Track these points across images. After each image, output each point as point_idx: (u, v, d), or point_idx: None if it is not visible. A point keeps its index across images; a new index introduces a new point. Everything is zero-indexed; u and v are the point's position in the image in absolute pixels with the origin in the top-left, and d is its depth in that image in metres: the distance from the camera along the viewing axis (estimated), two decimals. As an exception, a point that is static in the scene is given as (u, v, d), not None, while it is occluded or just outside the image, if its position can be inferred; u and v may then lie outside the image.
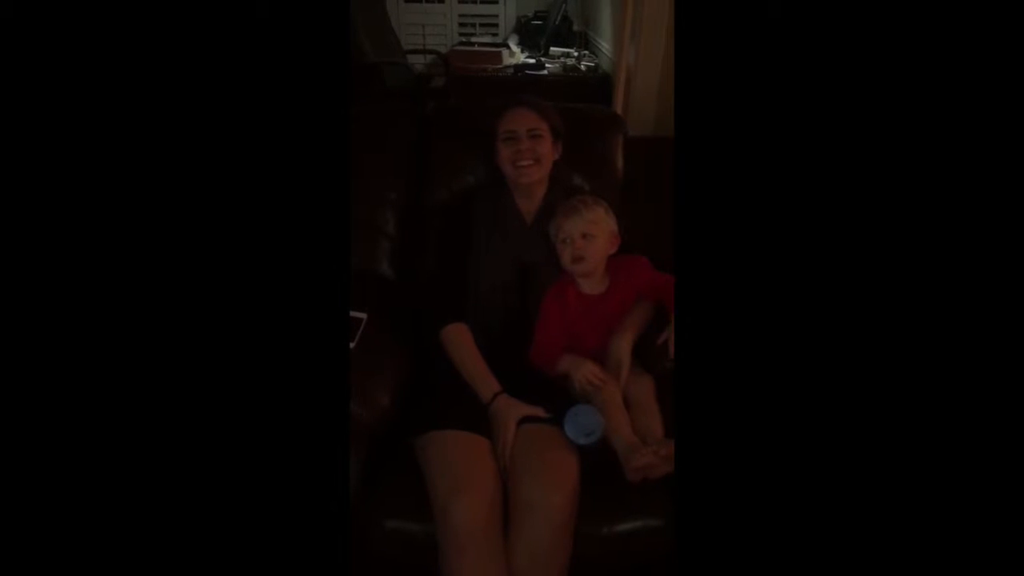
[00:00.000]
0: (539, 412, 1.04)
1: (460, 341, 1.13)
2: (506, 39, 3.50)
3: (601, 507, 1.01)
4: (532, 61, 3.06)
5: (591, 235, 1.12)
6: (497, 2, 3.69)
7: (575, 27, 3.35)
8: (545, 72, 2.94)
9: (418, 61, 3.29)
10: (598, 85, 2.71)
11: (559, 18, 3.19)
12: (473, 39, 3.54)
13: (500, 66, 3.01)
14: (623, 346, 1.11)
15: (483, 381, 1.09)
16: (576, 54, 3.06)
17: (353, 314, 1.16)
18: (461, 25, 3.70)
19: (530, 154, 1.15)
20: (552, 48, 3.18)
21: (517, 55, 3.17)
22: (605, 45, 2.94)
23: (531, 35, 3.32)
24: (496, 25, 3.71)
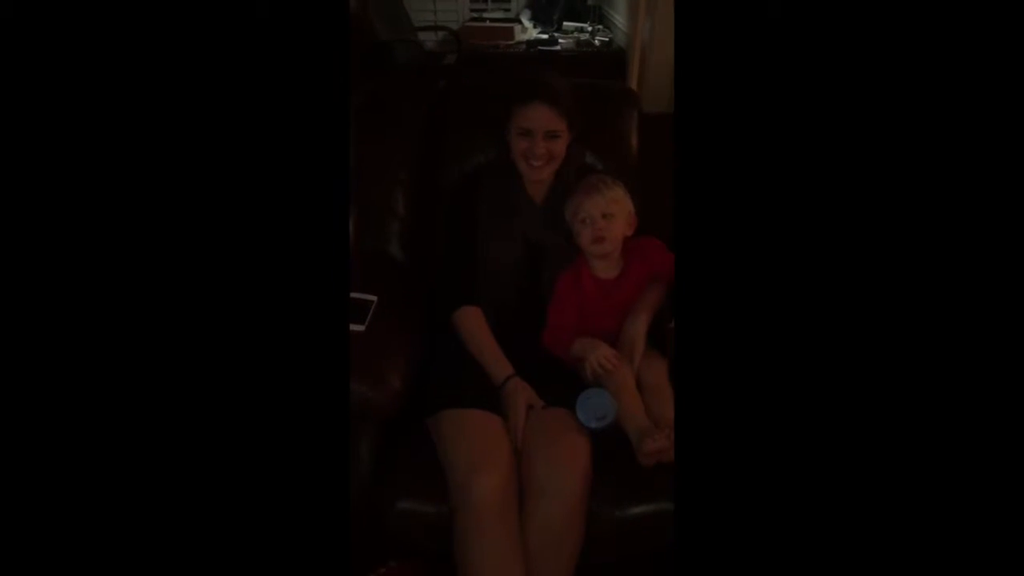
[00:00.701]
0: (539, 403, 1.04)
1: (473, 324, 1.12)
2: (518, 14, 3.44)
3: (613, 490, 1.01)
4: (545, 36, 3.01)
5: (611, 215, 1.10)
6: (509, -24, 3.61)
7: (589, 1, 3.27)
8: (558, 48, 2.89)
9: (429, 38, 3.24)
10: (612, 60, 2.65)
11: (572, -8, 3.12)
12: (485, 15, 3.48)
13: (512, 42, 2.96)
14: (638, 329, 1.09)
15: (495, 364, 1.08)
16: (590, 29, 3.00)
17: (363, 296, 1.15)
18: (473, 1, 3.63)
19: (544, 155, 1.13)
20: (565, 23, 3.12)
21: (530, 30, 3.12)
22: (620, 19, 2.87)
23: (544, 10, 3.25)
24: (508, 1, 3.64)
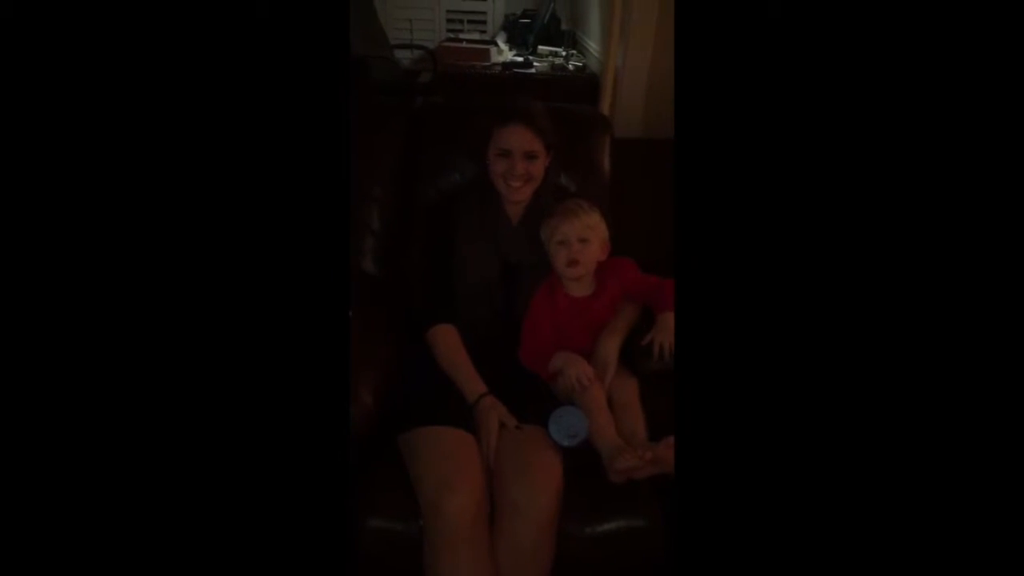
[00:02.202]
0: (512, 422, 1.04)
1: (447, 342, 1.12)
2: (494, 36, 3.49)
3: (584, 507, 1.02)
4: (520, 59, 3.06)
5: (587, 239, 1.12)
6: (485, -1, 3.68)
7: (563, 26, 3.35)
8: (533, 71, 2.94)
9: (405, 56, 3.26)
10: (586, 85, 2.71)
11: (547, 16, 3.19)
12: (461, 35, 3.53)
13: (488, 63, 3.00)
14: (610, 347, 1.11)
15: (469, 382, 1.09)
16: (564, 53, 3.06)
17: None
18: (449, 21, 3.67)
19: (523, 175, 1.15)
20: (540, 47, 3.18)
21: (505, 53, 3.17)
22: (593, 45, 2.94)
23: (519, 33, 3.31)
24: (484, 22, 3.69)
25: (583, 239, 1.12)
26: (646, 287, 1.15)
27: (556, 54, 3.09)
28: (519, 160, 1.14)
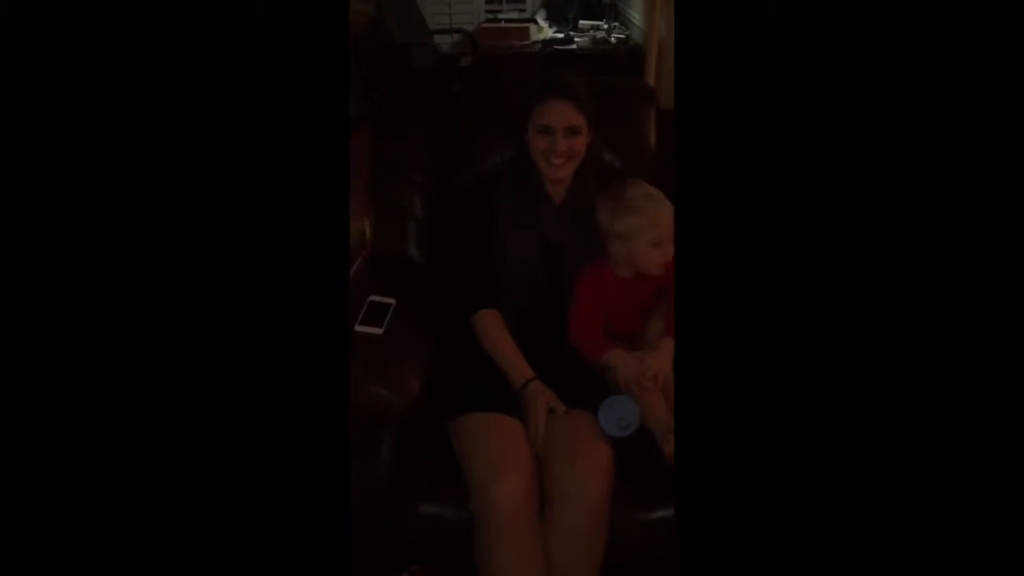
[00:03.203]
0: (560, 407, 1.02)
1: (492, 327, 1.11)
2: (534, 14, 3.43)
3: (637, 493, 0.99)
4: (561, 35, 2.99)
5: (663, 241, 1.06)
6: (524, -24, 3.61)
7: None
8: (574, 46, 2.87)
9: (445, 41, 3.25)
10: (629, 57, 2.63)
11: (588, -10, 3.10)
12: (500, 16, 3.48)
13: (528, 42, 2.95)
14: (663, 329, 1.07)
15: (515, 367, 1.07)
16: (606, 26, 2.98)
17: (381, 299, 1.15)
18: (488, 2, 3.63)
19: (565, 152, 1.11)
20: (581, 21, 3.10)
21: (545, 30, 3.10)
22: (636, 16, 2.84)
23: (560, 9, 3.23)
24: (523, 1, 3.63)
25: (658, 243, 1.05)
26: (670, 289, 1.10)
27: (598, 28, 3.01)
28: (561, 136, 1.10)
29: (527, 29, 3.04)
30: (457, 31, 3.22)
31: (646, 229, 1.06)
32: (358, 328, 1.10)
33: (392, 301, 1.15)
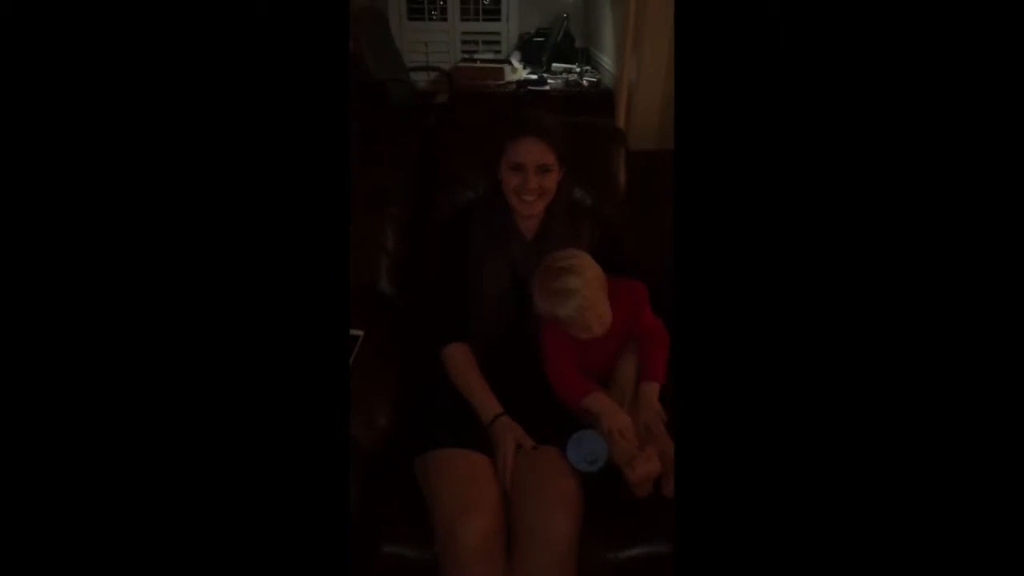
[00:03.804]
0: (528, 443, 1.01)
1: (461, 361, 1.10)
2: (509, 56, 3.52)
3: (606, 532, 0.98)
4: (535, 77, 3.07)
5: (595, 300, 1.02)
6: (500, 19, 3.72)
7: (577, 43, 3.36)
8: (547, 88, 2.95)
9: (421, 78, 3.31)
10: (600, 100, 2.71)
11: (561, 35, 3.21)
12: (476, 56, 3.56)
13: (503, 82, 3.02)
14: (629, 372, 1.08)
15: (483, 402, 1.06)
16: (578, 70, 3.07)
17: (350, 331, 1.13)
18: (464, 43, 3.72)
19: (536, 190, 1.12)
20: (554, 64, 3.19)
21: (519, 71, 3.19)
22: (607, 60, 2.95)
23: (534, 52, 3.33)
24: (499, 43, 3.73)
25: (590, 306, 1.02)
26: (645, 332, 1.10)
27: (570, 71, 3.10)
28: (532, 174, 1.12)
29: (502, 69, 3.11)
30: (434, 69, 3.29)
31: (566, 320, 1.03)
32: (325, 360, 1.09)
33: (360, 333, 1.14)
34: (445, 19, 3.69)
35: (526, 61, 3.31)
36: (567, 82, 2.99)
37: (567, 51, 3.25)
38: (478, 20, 3.72)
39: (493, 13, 3.71)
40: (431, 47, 3.65)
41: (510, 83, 3.01)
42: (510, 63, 3.30)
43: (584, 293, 1.01)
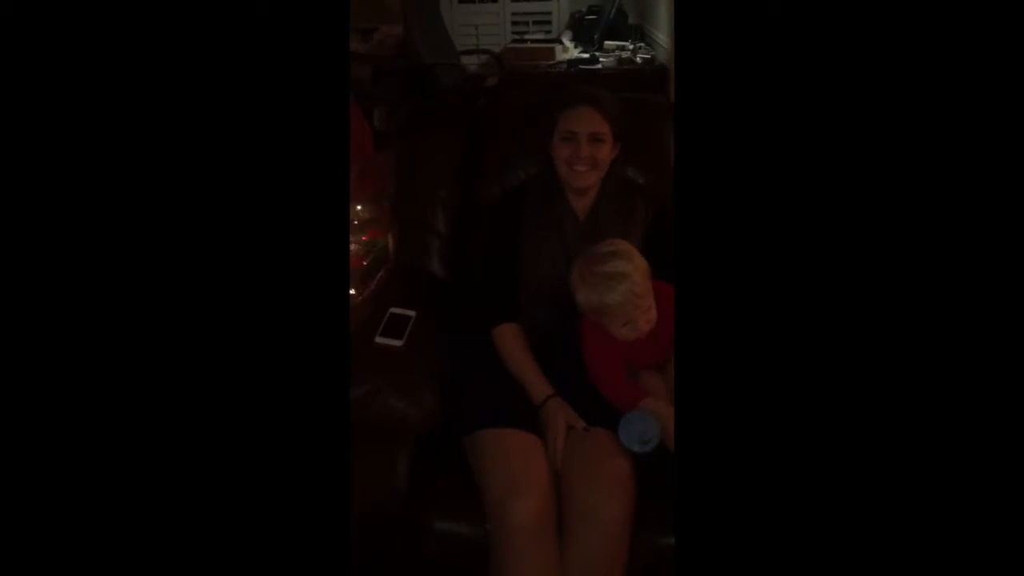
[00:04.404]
0: (579, 424, 1.00)
1: (512, 341, 1.10)
2: (560, 36, 3.46)
3: (660, 516, 0.96)
4: (586, 56, 3.01)
5: (644, 300, 0.98)
6: (550, -1, 3.66)
7: (630, 20, 3.27)
8: (599, 66, 2.88)
9: (472, 61, 3.30)
10: (655, 77, 2.63)
11: (613, 12, 3.12)
12: (527, 37, 3.52)
13: (553, 62, 2.97)
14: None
15: (534, 383, 1.06)
16: (631, 47, 2.99)
17: (402, 311, 1.15)
18: (514, 24, 3.68)
19: (588, 160, 1.11)
20: (607, 42, 3.11)
21: (571, 50, 3.12)
22: (662, 37, 2.85)
23: (585, 30, 3.26)
24: (549, 23, 3.67)
25: (641, 293, 0.98)
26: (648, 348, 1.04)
27: (623, 48, 3.02)
28: (584, 142, 1.10)
29: (552, 49, 3.06)
30: (484, 52, 3.27)
31: (608, 312, 0.99)
32: (378, 339, 1.10)
33: (412, 313, 1.15)
34: (495, 1, 3.66)
35: (578, 40, 3.24)
36: (620, 60, 2.91)
37: (620, 28, 3.16)
38: (528, 0, 3.67)
39: (544, -8, 3.65)
40: (481, 29, 3.63)
41: (561, 63, 2.96)
42: (561, 42, 3.24)
43: (634, 278, 0.98)
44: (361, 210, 1.67)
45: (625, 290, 0.97)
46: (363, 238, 1.64)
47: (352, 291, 1.60)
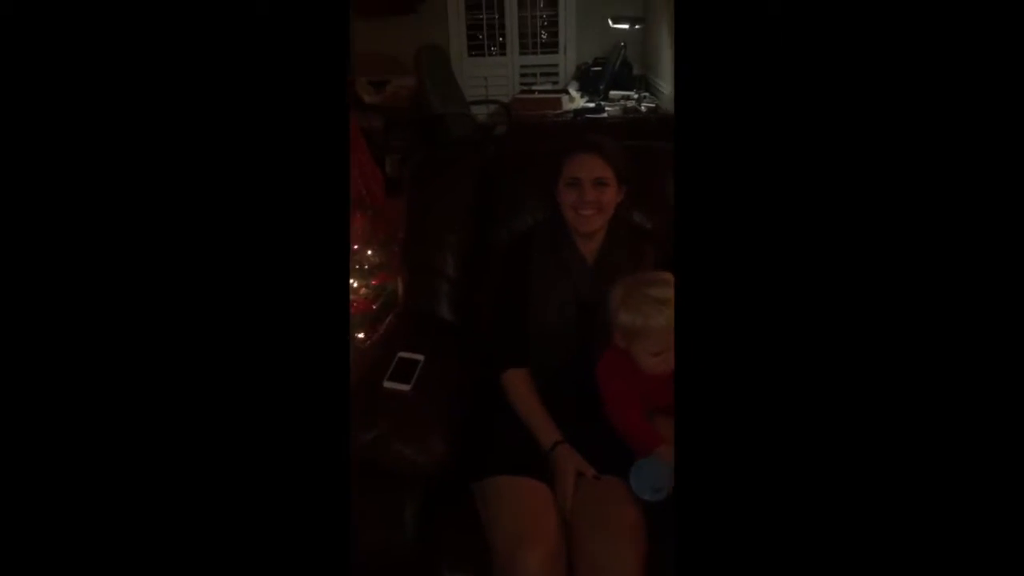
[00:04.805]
0: (589, 471, 0.98)
1: (521, 387, 1.10)
2: (566, 86, 3.56)
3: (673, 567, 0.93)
4: (592, 105, 3.09)
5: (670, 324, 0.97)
6: (557, 52, 3.78)
7: (635, 71, 3.37)
8: (605, 115, 2.95)
9: (481, 111, 3.39)
10: (659, 126, 2.68)
11: (619, 63, 3.22)
12: (534, 88, 3.63)
13: (560, 111, 3.05)
14: None
15: (542, 429, 1.04)
16: (636, 96, 3.07)
17: (410, 356, 1.15)
18: (523, 76, 3.80)
19: (593, 204, 1.13)
20: (612, 92, 3.20)
21: (577, 100, 3.21)
22: (666, 87, 2.93)
23: (591, 81, 3.36)
24: (556, 74, 3.79)
25: (658, 353, 0.99)
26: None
27: (628, 97, 3.10)
28: (588, 187, 1.12)
29: (559, 99, 3.15)
30: (493, 102, 3.37)
31: (648, 336, 0.99)
32: (386, 384, 1.10)
33: (421, 357, 1.15)
34: (504, 54, 3.79)
35: (584, 90, 3.34)
36: (625, 109, 2.98)
37: (625, 79, 3.25)
38: (536, 53, 3.80)
39: (551, 46, 3.79)
40: (490, 81, 3.75)
41: (567, 112, 3.04)
42: (567, 93, 3.34)
43: (658, 323, 0.98)
44: (372, 255, 1.69)
45: (671, 315, 0.97)
46: (373, 282, 1.66)
47: (361, 335, 1.61)
